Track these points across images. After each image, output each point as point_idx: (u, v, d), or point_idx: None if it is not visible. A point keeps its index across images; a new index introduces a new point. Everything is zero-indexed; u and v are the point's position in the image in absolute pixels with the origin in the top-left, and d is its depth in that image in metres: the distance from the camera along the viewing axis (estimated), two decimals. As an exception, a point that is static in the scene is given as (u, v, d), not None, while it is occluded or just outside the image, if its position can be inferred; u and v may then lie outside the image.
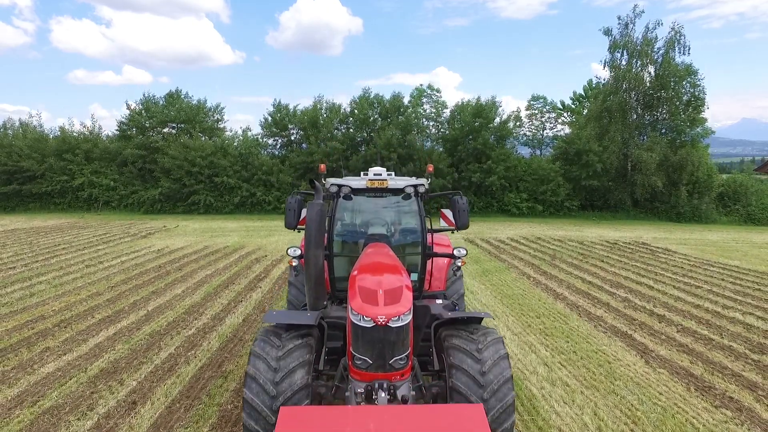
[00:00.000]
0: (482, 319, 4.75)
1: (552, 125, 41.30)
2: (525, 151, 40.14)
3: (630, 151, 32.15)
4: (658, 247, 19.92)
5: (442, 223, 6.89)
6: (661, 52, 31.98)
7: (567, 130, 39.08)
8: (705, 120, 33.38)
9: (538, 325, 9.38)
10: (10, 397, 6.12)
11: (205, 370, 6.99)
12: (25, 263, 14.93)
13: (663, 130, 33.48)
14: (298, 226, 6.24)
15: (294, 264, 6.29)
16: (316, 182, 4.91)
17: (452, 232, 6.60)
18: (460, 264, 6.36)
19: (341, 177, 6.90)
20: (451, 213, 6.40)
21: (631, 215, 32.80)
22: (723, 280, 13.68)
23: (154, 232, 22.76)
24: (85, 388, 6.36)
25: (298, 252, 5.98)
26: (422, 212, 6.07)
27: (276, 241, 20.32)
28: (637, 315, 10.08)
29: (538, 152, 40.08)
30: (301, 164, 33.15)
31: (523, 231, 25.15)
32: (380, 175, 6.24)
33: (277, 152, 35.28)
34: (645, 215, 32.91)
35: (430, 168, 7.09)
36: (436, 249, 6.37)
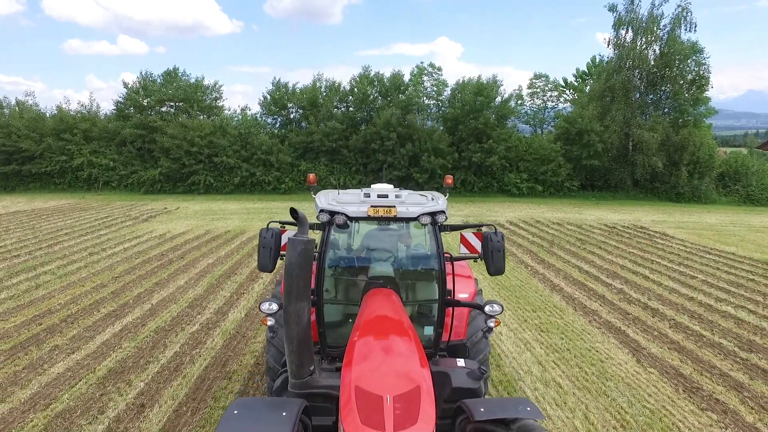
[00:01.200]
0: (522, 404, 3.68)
1: (554, 104, 40.86)
2: (526, 129, 39.90)
3: (631, 131, 31.95)
4: (656, 232, 20.08)
5: (463, 250, 5.81)
6: (666, 29, 31.38)
7: (569, 108, 38.68)
8: (709, 99, 33.04)
9: (534, 319, 9.60)
10: (23, 400, 6.36)
11: (210, 370, 7.23)
12: (29, 251, 15.11)
13: (666, 110, 33.19)
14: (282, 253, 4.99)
15: (270, 323, 4.83)
16: (298, 211, 3.78)
17: (474, 261, 5.44)
18: (492, 325, 4.94)
19: (336, 186, 6.36)
20: (474, 237, 5.40)
21: (631, 195, 32.84)
22: (718, 269, 13.87)
23: (156, 215, 22.88)
24: (94, 390, 6.60)
25: (275, 307, 4.67)
26: (441, 248, 4.83)
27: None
28: (632, 309, 10.29)
29: (539, 131, 39.80)
30: (301, 144, 33.03)
31: (522, 213, 25.26)
32: (386, 197, 4.95)
33: (276, 131, 35.05)
34: (645, 195, 32.95)
35: (449, 180, 5.77)
36: (457, 283, 5.07)
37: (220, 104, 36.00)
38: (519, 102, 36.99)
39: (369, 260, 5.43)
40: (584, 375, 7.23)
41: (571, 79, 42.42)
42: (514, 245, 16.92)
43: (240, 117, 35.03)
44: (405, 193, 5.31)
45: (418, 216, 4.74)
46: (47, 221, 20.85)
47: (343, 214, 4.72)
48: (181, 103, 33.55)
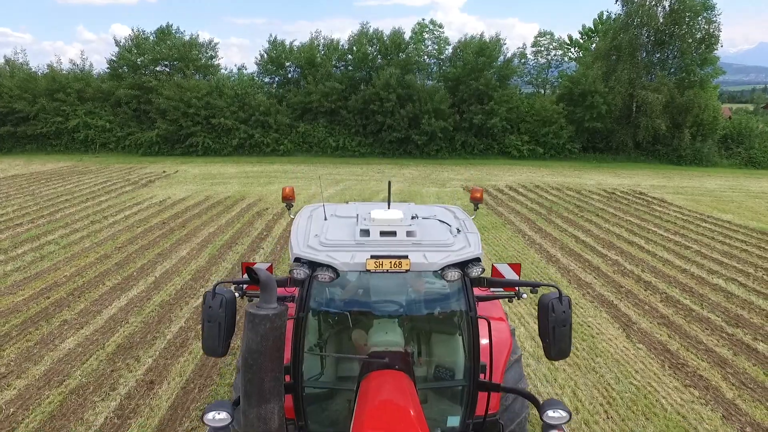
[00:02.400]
0: None
1: (558, 63, 39.82)
2: (528, 89, 39.16)
3: (636, 92, 31.38)
4: (654, 198, 20.17)
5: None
6: (678, -17, 30.18)
7: (574, 67, 37.75)
8: (717, 59, 32.21)
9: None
10: (37, 376, 6.65)
11: (215, 346, 7.50)
12: (31, 218, 15.23)
13: (672, 70, 32.45)
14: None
15: None
16: (259, 272, 2.76)
17: (510, 301, 3.96)
18: None
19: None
20: (509, 269, 4.27)
21: (632, 158, 32.67)
22: (713, 238, 14.06)
23: (155, 179, 22.88)
24: (105, 366, 6.89)
25: (225, 416, 3.22)
26: (473, 310, 3.49)
27: (276, 190, 20.52)
28: (625, 281, 10.53)
29: (542, 91, 39.03)
30: (299, 104, 32.53)
31: (522, 177, 25.25)
32: (393, 235, 3.49)
33: (273, 91, 34.40)
34: (646, 158, 32.79)
35: (477, 194, 4.73)
36: (488, 325, 3.56)
37: (216, 63, 35.21)
38: (522, 61, 36.10)
39: (368, 315, 3.87)
40: (575, 350, 7.51)
41: (576, 36, 41.23)
42: (513, 213, 17.05)
43: (236, 77, 34.29)
44: (419, 220, 3.84)
45: (442, 270, 3.34)
46: (46, 186, 20.87)
47: (328, 266, 3.28)
48: (176, 63, 32.73)
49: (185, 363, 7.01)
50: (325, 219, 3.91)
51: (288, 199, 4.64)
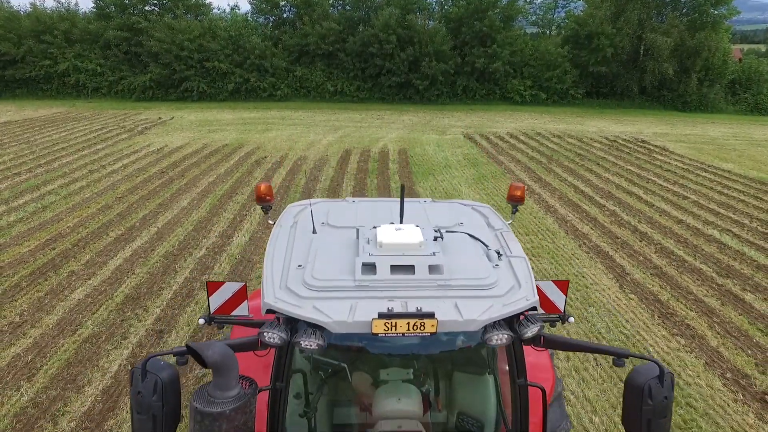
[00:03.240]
0: None
1: (565, 2, 38.04)
2: (533, 31, 37.69)
3: (645, 35, 30.24)
4: (656, 146, 20.01)
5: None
6: None
7: (581, 7, 36.10)
8: (732, -2, 30.77)
9: (527, 243, 10.02)
10: (51, 325, 6.91)
11: (220, 296, 7.74)
12: (29, 168, 15.15)
13: (684, 10, 31.08)
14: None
15: None
16: (202, 354, 2.02)
17: (552, 326, 3.07)
18: None
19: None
20: (553, 287, 2.93)
21: (637, 104, 32.06)
22: (712, 188, 14.12)
23: (150, 126, 22.53)
24: (115, 316, 7.14)
25: None
26: (522, 377, 2.66)
27: (274, 138, 20.33)
28: (621, 232, 10.69)
29: (547, 32, 37.57)
30: (295, 47, 31.42)
31: (523, 124, 24.88)
32: (411, 272, 2.46)
33: (269, 32, 33.08)
34: (650, 104, 32.16)
35: (518, 192, 3.82)
36: (543, 395, 2.86)
37: (208, 2, 33.57)
38: (528, 0, 34.50)
39: (370, 357, 3.03)
40: (569, 301, 7.77)
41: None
42: (513, 161, 16.97)
43: (229, 17, 32.84)
44: (443, 242, 2.75)
45: (484, 332, 2.33)
46: (40, 133, 20.57)
47: (315, 327, 2.27)
48: (165, 2, 31.23)
49: (192, 313, 7.26)
50: (314, 232, 2.88)
51: (264, 200, 3.42)
